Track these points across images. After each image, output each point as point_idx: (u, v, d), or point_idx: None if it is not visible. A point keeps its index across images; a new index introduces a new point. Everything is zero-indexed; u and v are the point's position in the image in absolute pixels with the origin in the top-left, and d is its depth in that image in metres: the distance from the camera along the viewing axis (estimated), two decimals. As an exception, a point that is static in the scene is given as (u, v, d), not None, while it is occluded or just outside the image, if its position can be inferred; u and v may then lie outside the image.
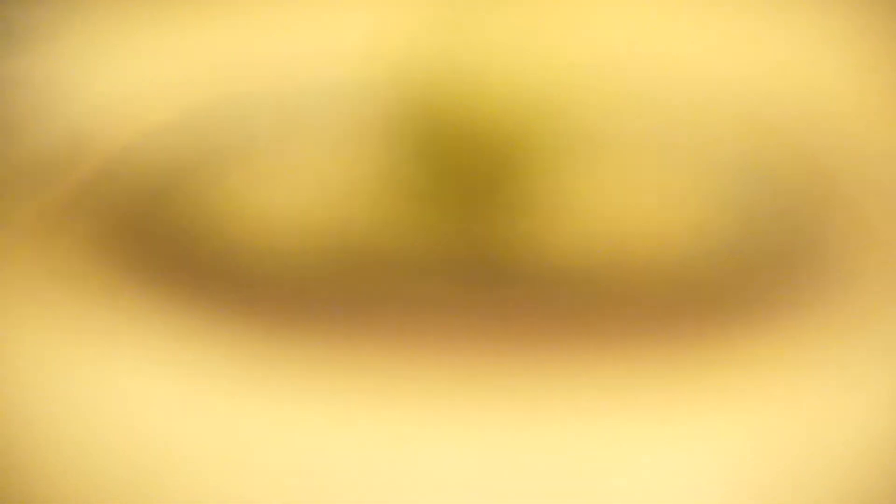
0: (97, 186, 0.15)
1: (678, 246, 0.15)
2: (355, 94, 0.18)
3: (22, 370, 0.12)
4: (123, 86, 0.19)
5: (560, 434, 0.10)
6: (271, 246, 0.14)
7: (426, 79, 0.13)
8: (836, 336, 0.11)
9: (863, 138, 0.16)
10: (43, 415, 0.11)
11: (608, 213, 0.16)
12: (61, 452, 0.11)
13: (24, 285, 0.14)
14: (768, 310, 0.12)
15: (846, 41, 0.19)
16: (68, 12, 0.23)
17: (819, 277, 0.13)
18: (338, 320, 0.13)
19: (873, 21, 0.18)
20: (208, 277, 0.13)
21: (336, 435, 0.11)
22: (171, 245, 0.14)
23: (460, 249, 0.14)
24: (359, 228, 0.15)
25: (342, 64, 0.19)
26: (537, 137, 0.14)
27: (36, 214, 0.15)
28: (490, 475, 0.10)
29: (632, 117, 0.20)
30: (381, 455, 0.10)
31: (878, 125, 0.16)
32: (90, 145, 0.17)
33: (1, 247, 0.14)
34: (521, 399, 0.11)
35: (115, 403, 0.11)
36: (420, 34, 0.14)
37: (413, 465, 0.10)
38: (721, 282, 0.13)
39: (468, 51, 0.13)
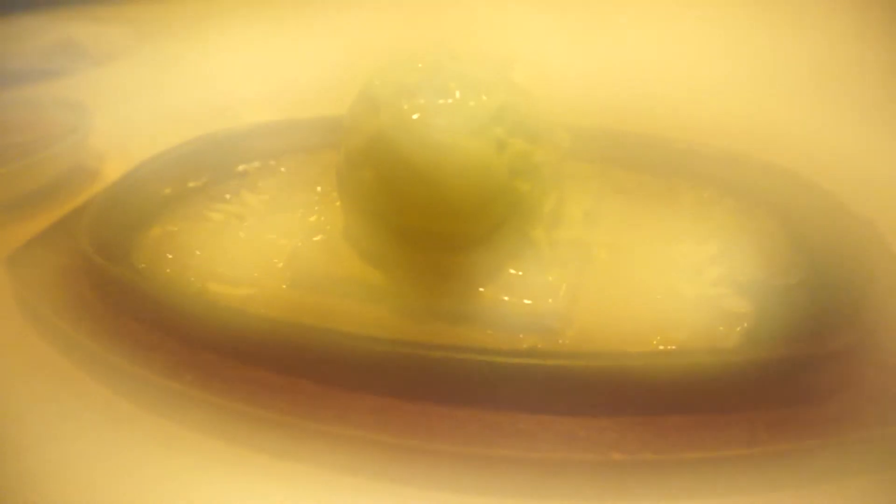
0: (75, 220, 0.15)
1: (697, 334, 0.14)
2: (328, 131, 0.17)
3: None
4: (122, 121, 0.19)
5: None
6: (226, 301, 0.14)
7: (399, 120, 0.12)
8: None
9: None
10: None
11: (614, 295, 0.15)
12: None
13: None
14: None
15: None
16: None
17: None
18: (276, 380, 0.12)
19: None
20: (166, 331, 0.13)
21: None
22: (127, 291, 0.13)
23: (423, 319, 0.13)
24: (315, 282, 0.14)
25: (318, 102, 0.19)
26: (521, 193, 0.13)
27: (19, 240, 0.15)
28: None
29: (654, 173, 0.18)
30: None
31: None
32: (83, 177, 0.17)
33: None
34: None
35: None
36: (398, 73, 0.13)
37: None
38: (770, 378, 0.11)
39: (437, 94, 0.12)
